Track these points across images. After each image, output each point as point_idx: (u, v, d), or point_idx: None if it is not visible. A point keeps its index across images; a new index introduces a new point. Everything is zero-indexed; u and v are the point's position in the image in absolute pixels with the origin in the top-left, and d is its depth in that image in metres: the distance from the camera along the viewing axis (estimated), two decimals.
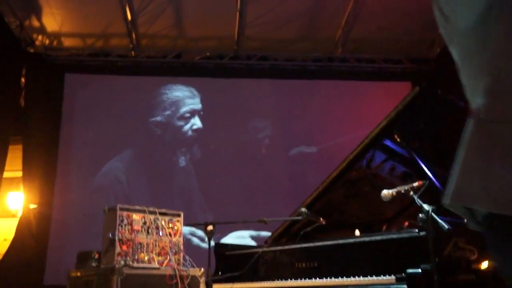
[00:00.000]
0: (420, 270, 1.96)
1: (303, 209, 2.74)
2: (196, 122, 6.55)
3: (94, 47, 6.54)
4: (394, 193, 2.28)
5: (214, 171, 6.32)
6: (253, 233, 5.66)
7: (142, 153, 6.38)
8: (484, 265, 2.11)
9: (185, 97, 6.65)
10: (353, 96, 6.76)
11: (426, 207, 2.01)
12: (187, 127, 6.54)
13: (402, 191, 2.25)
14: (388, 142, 3.11)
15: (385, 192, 2.32)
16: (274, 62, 6.82)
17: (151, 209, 2.85)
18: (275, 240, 2.97)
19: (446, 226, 1.97)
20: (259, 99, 6.67)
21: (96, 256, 2.70)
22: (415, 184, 2.24)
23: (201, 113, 6.58)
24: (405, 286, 1.97)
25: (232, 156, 6.41)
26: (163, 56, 6.62)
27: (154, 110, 6.54)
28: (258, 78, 6.76)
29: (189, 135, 6.51)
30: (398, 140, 2.88)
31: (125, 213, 2.72)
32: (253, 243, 5.41)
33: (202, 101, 6.62)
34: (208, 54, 6.72)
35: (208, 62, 6.72)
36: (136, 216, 2.78)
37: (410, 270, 1.99)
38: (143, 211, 2.83)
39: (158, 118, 6.52)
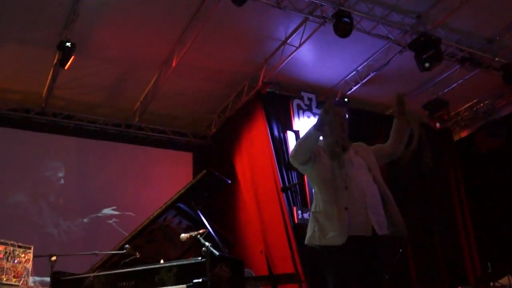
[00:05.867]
0: (201, 280, 3.52)
1: (126, 245, 4.08)
2: None
3: None
4: (189, 236, 3.82)
5: (9, 217, 6.87)
6: None
7: None
8: (235, 280, 3.82)
9: None
10: (146, 159, 8.29)
11: (207, 243, 3.60)
12: None
13: (193, 235, 3.80)
14: (180, 204, 4.67)
15: (183, 235, 3.84)
16: (78, 122, 7.92)
17: (12, 242, 3.79)
18: (99, 267, 4.19)
19: (217, 254, 3.60)
20: (62, 155, 7.61)
21: None
22: (201, 231, 3.82)
23: None
24: None
25: (28, 204, 7.10)
26: None
27: None
28: (62, 135, 7.73)
29: None
30: (189, 203, 4.47)
31: None
32: None
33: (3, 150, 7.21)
34: (15, 106, 7.43)
35: (14, 114, 7.41)
36: (0, 247, 3.70)
37: (195, 280, 3.54)
38: (6, 244, 3.75)
39: None
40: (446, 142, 8.94)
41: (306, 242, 3.00)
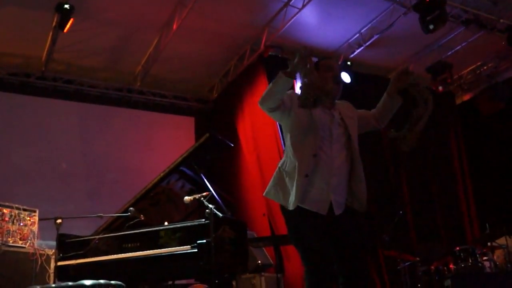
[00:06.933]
0: (204, 241, 3.56)
1: (131, 208, 4.11)
2: None
3: None
4: (192, 198, 3.83)
5: (11, 182, 6.88)
6: None
7: None
8: (238, 241, 3.87)
9: None
10: (148, 124, 8.26)
11: (210, 205, 3.62)
12: None
13: (197, 197, 3.81)
14: (183, 168, 4.68)
15: (187, 198, 3.86)
16: (78, 86, 7.85)
17: (16, 205, 3.82)
18: (104, 230, 4.24)
19: (220, 216, 3.62)
20: (62, 119, 7.58)
21: None
22: (204, 193, 3.84)
23: None
24: (196, 250, 3.55)
25: (31, 168, 7.11)
26: None
27: None
28: (63, 100, 7.68)
29: None
30: (191, 167, 4.48)
31: None
32: None
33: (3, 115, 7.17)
34: (15, 71, 7.35)
35: (15, 78, 7.35)
36: (5, 210, 3.74)
37: (199, 241, 3.58)
38: (11, 207, 3.79)
39: None
40: (448, 106, 8.89)
41: (264, 193, 2.93)
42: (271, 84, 2.72)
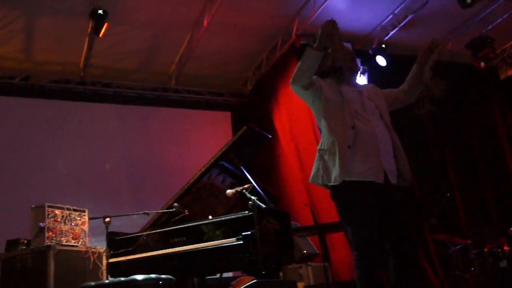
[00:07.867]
0: (250, 233, 3.63)
1: (175, 204, 4.24)
2: None
3: None
4: (234, 191, 3.91)
5: (59, 185, 7.17)
6: None
7: None
8: (282, 231, 3.92)
9: None
10: (185, 121, 8.42)
11: (253, 197, 3.69)
12: None
13: (239, 190, 3.89)
14: (223, 162, 4.76)
15: (229, 191, 3.94)
16: (116, 89, 8.08)
17: (67, 206, 4.03)
18: (150, 226, 4.39)
19: (263, 207, 3.68)
20: (103, 122, 7.84)
21: (25, 241, 3.76)
22: (246, 186, 3.91)
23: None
24: (242, 242, 3.63)
25: (77, 172, 7.39)
26: (10, 77, 7.31)
27: None
28: (103, 103, 7.93)
29: None
30: (231, 160, 4.56)
31: (50, 209, 3.89)
32: None
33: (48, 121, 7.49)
34: (55, 78, 7.65)
35: (56, 85, 7.64)
36: (57, 211, 3.95)
37: (244, 233, 3.65)
38: (62, 208, 4.00)
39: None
40: (492, 82, 8.63)
41: (309, 180, 2.96)
42: (300, 61, 2.77)
